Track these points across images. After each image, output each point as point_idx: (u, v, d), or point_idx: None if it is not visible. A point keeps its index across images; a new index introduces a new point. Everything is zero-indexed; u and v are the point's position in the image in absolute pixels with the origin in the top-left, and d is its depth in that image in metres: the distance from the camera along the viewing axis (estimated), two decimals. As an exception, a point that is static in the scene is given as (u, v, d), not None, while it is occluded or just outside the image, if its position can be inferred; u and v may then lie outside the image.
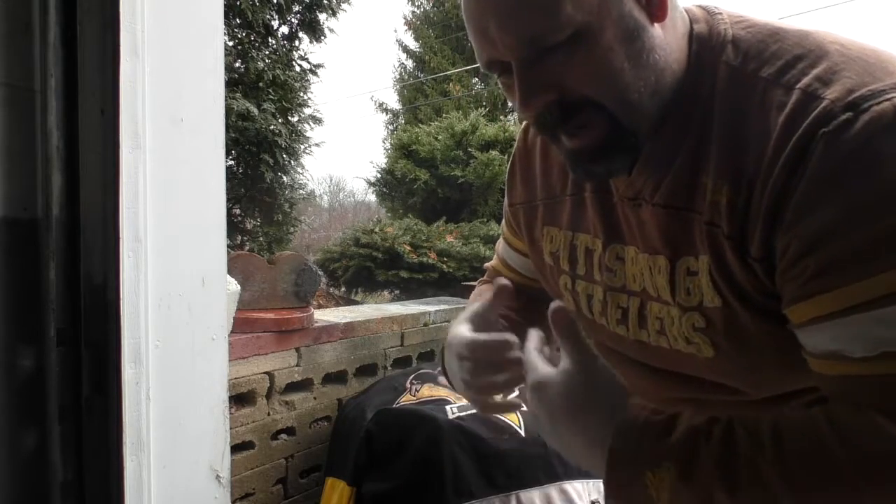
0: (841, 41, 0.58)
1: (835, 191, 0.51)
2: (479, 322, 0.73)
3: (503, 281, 0.74)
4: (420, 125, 9.67)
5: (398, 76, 14.51)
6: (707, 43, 0.62)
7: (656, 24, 0.59)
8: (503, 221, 0.92)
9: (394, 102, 14.69)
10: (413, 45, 14.12)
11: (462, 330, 0.72)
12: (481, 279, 1.03)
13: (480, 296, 0.95)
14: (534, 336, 0.64)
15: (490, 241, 6.33)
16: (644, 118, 0.60)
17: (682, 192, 0.62)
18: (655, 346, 0.70)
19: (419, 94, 13.53)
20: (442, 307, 2.43)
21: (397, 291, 6.73)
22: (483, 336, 0.70)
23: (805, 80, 0.55)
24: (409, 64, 14.34)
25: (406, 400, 1.76)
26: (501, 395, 0.72)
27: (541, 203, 0.81)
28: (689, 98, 0.61)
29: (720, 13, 0.65)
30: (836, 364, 0.54)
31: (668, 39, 0.60)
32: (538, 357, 0.62)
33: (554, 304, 0.60)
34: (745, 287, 0.59)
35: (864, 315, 0.51)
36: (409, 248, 6.26)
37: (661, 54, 0.60)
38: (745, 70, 0.59)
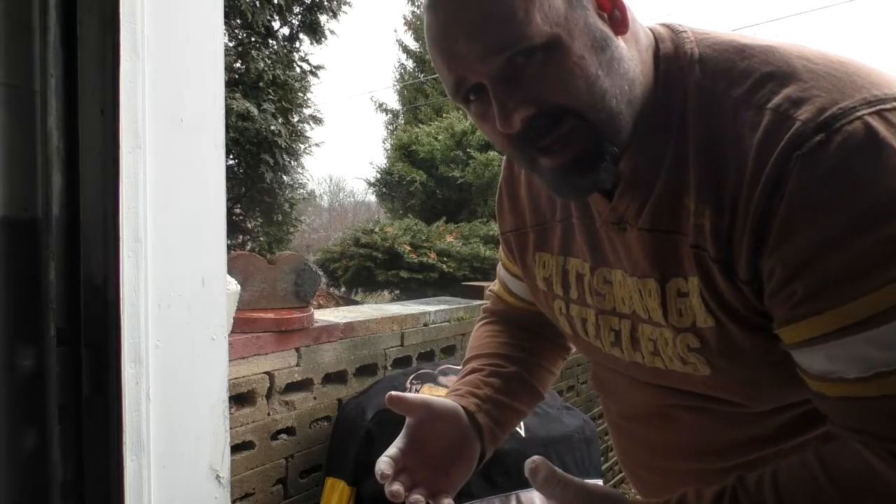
0: (807, 55, 0.58)
1: (814, 214, 0.52)
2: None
3: (392, 393, 0.76)
4: (420, 125, 9.67)
5: (398, 76, 14.50)
6: (675, 63, 0.62)
7: (619, 38, 0.59)
8: (501, 246, 0.93)
9: (394, 102, 14.69)
10: (413, 45, 14.10)
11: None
12: (483, 309, 1.03)
13: (478, 339, 0.97)
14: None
15: (490, 241, 6.33)
16: (622, 128, 0.60)
17: (665, 215, 0.62)
18: (651, 367, 0.71)
19: (419, 94, 13.52)
20: (442, 307, 2.43)
21: (397, 291, 6.73)
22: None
23: (775, 100, 0.55)
24: (409, 64, 14.33)
25: (406, 400, 1.76)
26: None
27: (531, 230, 0.82)
28: (662, 118, 0.61)
29: (685, 31, 0.65)
30: (834, 385, 0.55)
31: (633, 53, 0.61)
32: None
33: (528, 465, 0.62)
34: (737, 307, 0.60)
35: (856, 337, 0.51)
36: (409, 248, 6.25)
37: (630, 65, 0.60)
38: (715, 90, 0.60)
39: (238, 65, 6.64)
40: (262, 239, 7.82)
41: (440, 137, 8.17)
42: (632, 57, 0.60)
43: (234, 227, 7.30)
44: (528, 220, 0.82)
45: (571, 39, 0.56)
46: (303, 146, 7.59)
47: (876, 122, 0.51)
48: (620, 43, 0.59)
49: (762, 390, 0.66)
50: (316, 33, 7.52)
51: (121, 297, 0.98)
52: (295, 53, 7.54)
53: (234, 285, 1.59)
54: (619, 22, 0.59)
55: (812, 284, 0.53)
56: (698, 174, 0.59)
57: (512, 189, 0.85)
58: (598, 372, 0.86)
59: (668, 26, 0.66)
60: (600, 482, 1.88)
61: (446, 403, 0.80)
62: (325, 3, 7.39)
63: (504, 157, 0.86)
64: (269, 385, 1.71)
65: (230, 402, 1.25)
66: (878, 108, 0.52)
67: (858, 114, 0.51)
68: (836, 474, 0.55)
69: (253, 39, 6.85)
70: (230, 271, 1.53)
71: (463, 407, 0.81)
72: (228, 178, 3.36)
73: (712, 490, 0.60)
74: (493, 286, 1.01)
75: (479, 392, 0.84)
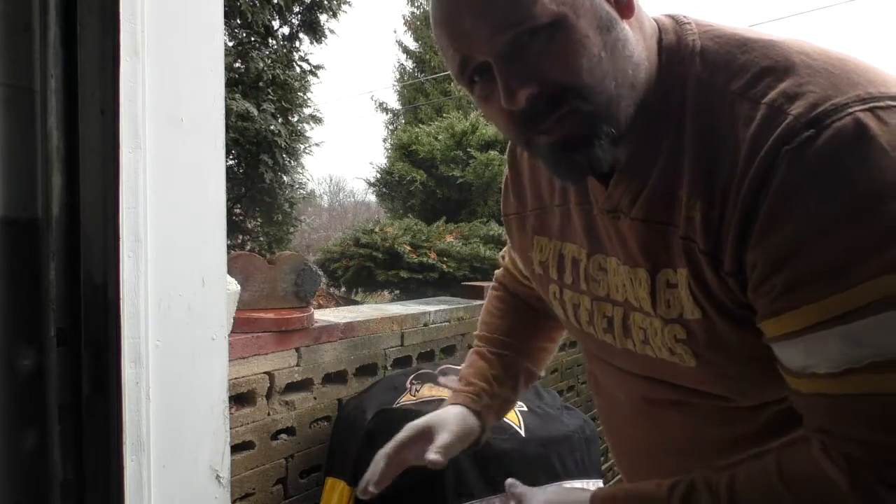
0: (807, 51, 0.58)
1: (798, 209, 0.52)
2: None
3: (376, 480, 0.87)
4: (420, 125, 9.66)
5: (398, 76, 14.50)
6: (676, 54, 0.63)
7: (625, 21, 0.60)
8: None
9: (394, 102, 14.70)
10: (413, 45, 14.10)
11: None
12: (495, 278, 1.07)
13: (490, 314, 1.04)
14: None
15: (490, 241, 6.33)
16: (622, 112, 0.60)
17: (659, 207, 0.63)
18: (642, 354, 0.72)
19: (419, 93, 13.52)
20: (442, 307, 2.43)
21: (397, 291, 6.72)
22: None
23: (771, 95, 0.56)
24: (409, 64, 14.33)
25: (406, 400, 1.76)
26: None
27: (531, 213, 0.83)
28: (661, 109, 0.62)
29: (688, 23, 0.65)
30: (808, 381, 0.55)
31: (637, 38, 0.61)
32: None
33: (508, 484, 0.72)
34: (723, 300, 0.60)
35: (831, 331, 0.52)
36: (409, 248, 6.25)
37: (634, 49, 0.60)
38: (714, 83, 0.60)
39: (238, 65, 6.64)
40: (262, 239, 7.82)
41: (440, 137, 8.16)
42: (636, 42, 0.61)
43: (234, 227, 7.30)
44: (530, 204, 0.83)
45: (577, 18, 0.56)
46: (303, 146, 7.59)
47: (867, 119, 0.51)
48: (625, 26, 0.60)
49: (748, 383, 0.66)
50: (316, 33, 7.52)
51: (121, 297, 0.98)
52: (295, 53, 7.54)
53: (234, 285, 1.59)
54: (624, 6, 0.60)
55: (791, 278, 0.53)
56: (692, 166, 0.59)
57: (516, 172, 0.86)
58: (592, 367, 0.88)
59: (672, 17, 0.66)
60: (601, 482, 1.88)
61: (446, 422, 0.89)
62: (325, 2, 7.39)
63: (509, 143, 0.87)
64: (269, 385, 1.71)
65: (230, 402, 1.25)
66: (871, 105, 0.52)
67: (850, 110, 0.51)
68: (792, 481, 0.56)
69: (253, 39, 6.85)
70: (230, 271, 1.53)
71: (470, 408, 0.91)
72: (228, 178, 3.36)
73: (672, 480, 0.64)
74: (505, 255, 1.04)
75: (489, 389, 0.94)
